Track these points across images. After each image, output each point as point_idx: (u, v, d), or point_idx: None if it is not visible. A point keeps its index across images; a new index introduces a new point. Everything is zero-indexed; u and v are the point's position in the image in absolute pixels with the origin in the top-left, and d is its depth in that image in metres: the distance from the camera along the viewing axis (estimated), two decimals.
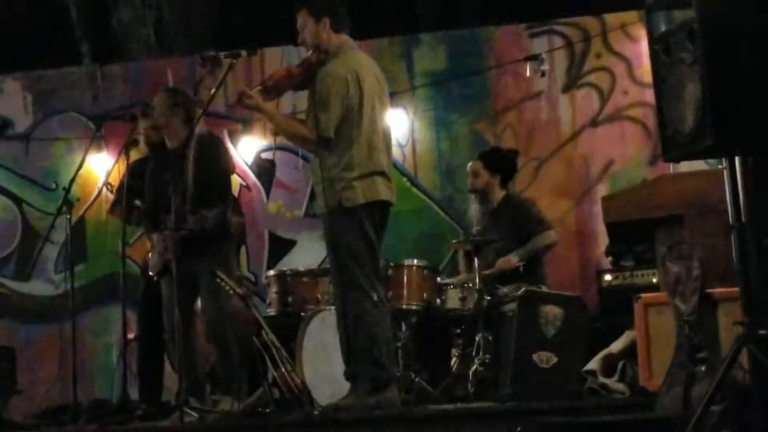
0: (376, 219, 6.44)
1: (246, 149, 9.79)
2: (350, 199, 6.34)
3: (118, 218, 7.59)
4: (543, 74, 9.32)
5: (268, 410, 6.74)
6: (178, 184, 6.93)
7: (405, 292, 7.57)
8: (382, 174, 6.44)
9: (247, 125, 9.74)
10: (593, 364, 6.62)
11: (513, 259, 7.77)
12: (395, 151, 7.95)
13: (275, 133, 8.15)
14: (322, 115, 6.37)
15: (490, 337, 7.08)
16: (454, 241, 8.27)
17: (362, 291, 6.34)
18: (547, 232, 7.95)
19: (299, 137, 6.67)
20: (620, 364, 6.54)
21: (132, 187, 7.46)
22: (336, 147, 6.39)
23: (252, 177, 9.78)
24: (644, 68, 9.06)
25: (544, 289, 7.60)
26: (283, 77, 6.60)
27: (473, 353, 7.13)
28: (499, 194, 8.14)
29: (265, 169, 9.90)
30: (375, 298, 6.36)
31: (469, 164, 8.25)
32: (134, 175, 7.53)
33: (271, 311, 8.04)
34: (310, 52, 6.54)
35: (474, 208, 8.24)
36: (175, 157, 7.05)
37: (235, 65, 6.73)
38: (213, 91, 6.85)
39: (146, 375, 7.77)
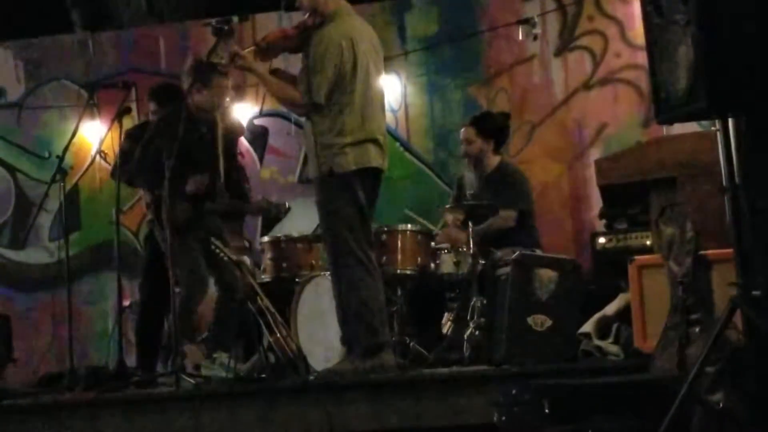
0: (368, 186, 6.44)
1: (238, 116, 9.77)
2: (342, 165, 6.34)
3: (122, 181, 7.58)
4: (535, 38, 9.30)
5: (263, 375, 6.77)
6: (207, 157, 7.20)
7: (399, 257, 7.57)
8: (375, 141, 6.44)
9: (239, 91, 9.72)
10: (588, 327, 6.65)
11: (462, 236, 7.64)
12: (388, 117, 7.94)
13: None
14: (313, 79, 6.35)
15: (485, 301, 7.08)
16: (447, 206, 8.28)
17: (353, 256, 6.35)
18: (505, 212, 7.86)
19: (289, 101, 6.66)
20: (615, 327, 6.57)
21: (132, 151, 7.46)
22: (328, 112, 6.38)
23: (245, 143, 9.77)
24: (637, 30, 9.05)
25: (539, 252, 7.61)
26: (277, 38, 6.60)
27: (468, 317, 7.14)
28: (493, 159, 8.13)
29: (257, 135, 9.89)
30: (366, 263, 6.37)
31: (462, 130, 8.23)
32: (135, 139, 7.51)
33: (266, 277, 8.05)
34: (307, 15, 6.53)
35: (468, 174, 8.23)
36: (207, 130, 7.22)
37: (230, 33, 6.74)
38: (205, 58, 6.87)
39: (144, 341, 7.79)
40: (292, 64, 6.93)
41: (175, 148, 6.65)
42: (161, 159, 6.82)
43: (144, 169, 7.23)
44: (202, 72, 7.13)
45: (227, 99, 7.37)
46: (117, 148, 7.47)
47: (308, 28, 6.50)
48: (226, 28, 6.80)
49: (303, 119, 6.65)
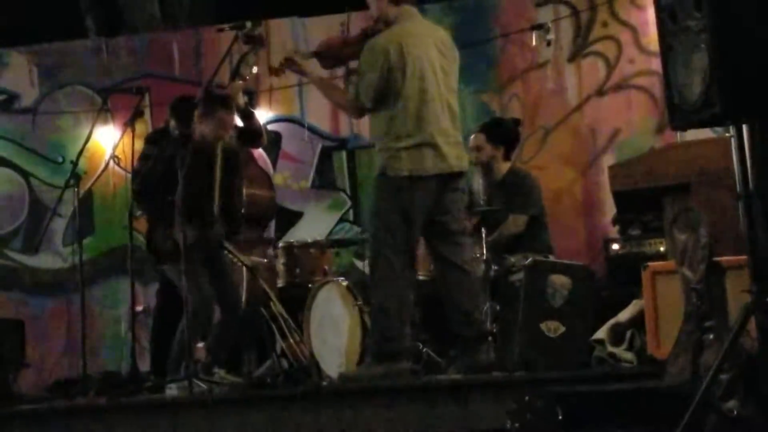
0: (426, 191, 6.45)
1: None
2: (395, 168, 6.42)
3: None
4: (549, 43, 9.24)
5: (276, 381, 6.77)
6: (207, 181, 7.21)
7: None
8: (433, 146, 6.44)
9: (252, 97, 9.72)
10: (601, 333, 6.63)
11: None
12: None
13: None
14: (359, 83, 6.50)
15: (498, 307, 7.08)
16: None
17: (385, 260, 6.41)
18: (513, 217, 7.85)
19: (339, 104, 7.01)
20: (628, 333, 6.55)
21: (151, 155, 7.48)
22: (383, 117, 6.49)
23: (259, 149, 9.76)
24: (651, 36, 9.02)
25: (552, 258, 7.60)
26: (338, 45, 6.81)
27: None
28: (503, 166, 8.11)
29: (271, 141, 9.89)
30: (397, 270, 6.39)
31: (471, 137, 8.21)
32: (154, 144, 7.51)
33: (279, 283, 8.06)
34: (373, 22, 6.68)
35: (478, 181, 8.22)
36: (206, 152, 7.20)
37: (260, 42, 6.90)
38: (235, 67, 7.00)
39: (159, 347, 7.79)
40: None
41: (187, 159, 6.69)
42: (174, 167, 6.83)
43: (153, 182, 7.24)
44: (208, 104, 7.16)
45: (230, 133, 7.39)
46: (130, 153, 7.47)
47: (368, 35, 6.61)
48: (256, 34, 6.90)
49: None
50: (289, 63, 6.77)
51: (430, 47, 6.57)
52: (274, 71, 7.00)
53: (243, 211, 7.64)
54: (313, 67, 6.93)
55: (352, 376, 6.42)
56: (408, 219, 6.41)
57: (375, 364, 6.37)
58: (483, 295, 6.79)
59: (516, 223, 7.84)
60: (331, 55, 6.79)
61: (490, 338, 6.75)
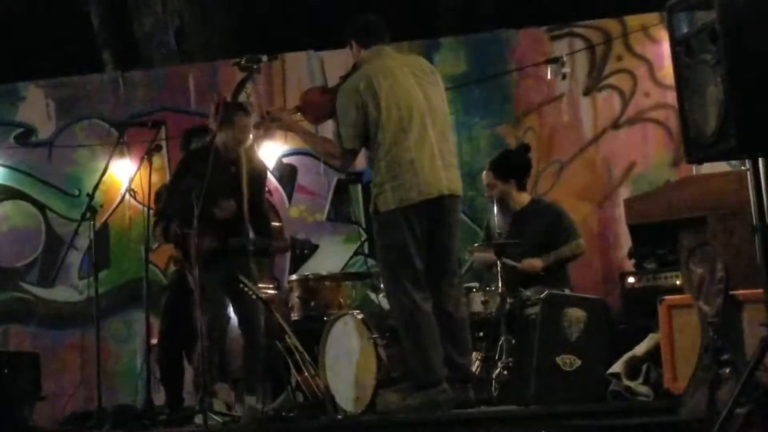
0: (420, 219, 6.46)
1: (267, 154, 9.78)
2: (383, 203, 6.46)
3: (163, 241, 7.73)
4: (564, 77, 9.28)
5: (291, 414, 6.75)
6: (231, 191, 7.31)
7: None
8: (416, 172, 6.44)
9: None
10: (617, 367, 6.61)
11: (537, 263, 7.76)
12: None
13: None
14: (341, 129, 6.53)
15: (513, 341, 7.06)
16: (475, 245, 8.26)
17: (394, 297, 6.52)
18: (576, 241, 7.95)
19: (326, 154, 6.90)
20: (644, 367, 6.53)
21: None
22: (372, 155, 6.56)
23: (274, 181, 9.78)
24: (666, 70, 9.03)
25: (568, 291, 7.58)
26: (318, 96, 6.83)
27: (496, 357, 7.12)
28: (519, 197, 8.10)
29: (286, 174, 9.91)
30: (407, 304, 6.43)
31: (483, 174, 8.24)
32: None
33: (294, 316, 8.05)
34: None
35: (495, 214, 8.20)
36: (230, 164, 7.32)
37: (257, 70, 6.85)
38: (231, 95, 6.98)
39: (170, 380, 7.79)
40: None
41: (204, 188, 6.68)
42: (190, 198, 6.85)
43: (174, 207, 7.28)
44: (226, 112, 7.19)
45: (250, 136, 7.45)
46: (146, 187, 7.51)
47: (344, 81, 6.67)
48: (255, 66, 6.91)
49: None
50: (272, 117, 6.83)
51: (405, 76, 6.61)
52: (258, 126, 7.08)
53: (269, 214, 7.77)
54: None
55: (385, 402, 6.48)
56: (407, 252, 6.44)
57: (414, 393, 6.43)
58: (469, 339, 6.77)
59: (578, 244, 7.98)
60: (313, 107, 6.80)
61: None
